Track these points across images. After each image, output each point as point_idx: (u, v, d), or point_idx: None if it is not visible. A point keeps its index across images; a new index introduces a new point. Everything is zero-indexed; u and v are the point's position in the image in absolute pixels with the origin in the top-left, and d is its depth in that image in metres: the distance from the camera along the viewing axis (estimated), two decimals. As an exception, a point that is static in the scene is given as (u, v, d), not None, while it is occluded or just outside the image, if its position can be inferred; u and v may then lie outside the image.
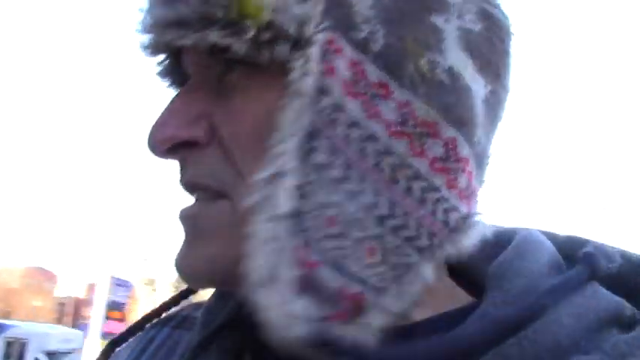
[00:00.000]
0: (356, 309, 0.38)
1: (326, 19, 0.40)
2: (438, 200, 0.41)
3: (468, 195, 0.43)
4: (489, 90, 0.45)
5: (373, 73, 0.40)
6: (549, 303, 0.39)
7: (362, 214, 0.38)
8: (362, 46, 0.40)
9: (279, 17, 0.39)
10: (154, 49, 0.45)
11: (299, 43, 0.40)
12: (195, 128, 0.44)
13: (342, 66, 0.40)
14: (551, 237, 0.48)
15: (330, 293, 0.37)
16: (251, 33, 0.39)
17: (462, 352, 0.37)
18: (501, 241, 0.47)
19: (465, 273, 0.48)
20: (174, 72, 0.50)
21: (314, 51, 0.39)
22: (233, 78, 0.43)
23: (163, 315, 0.58)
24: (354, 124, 0.39)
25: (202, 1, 0.39)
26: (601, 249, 0.44)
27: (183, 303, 0.59)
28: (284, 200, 0.37)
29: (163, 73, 0.51)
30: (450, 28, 0.43)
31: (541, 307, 0.39)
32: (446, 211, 0.41)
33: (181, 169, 0.46)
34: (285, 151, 0.39)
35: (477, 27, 0.45)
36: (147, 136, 0.44)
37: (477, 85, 0.43)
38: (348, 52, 0.40)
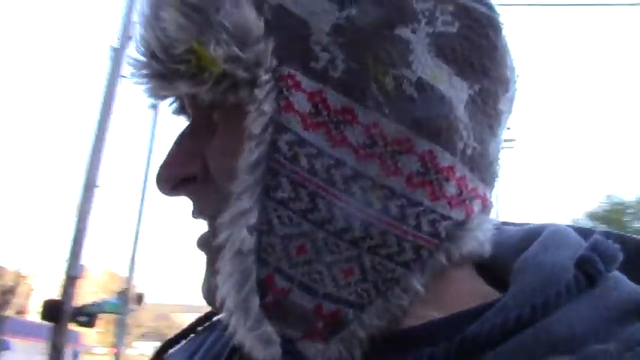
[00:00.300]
0: (335, 326, 0.41)
1: (280, 55, 0.41)
2: (420, 213, 0.41)
3: (463, 200, 0.43)
4: (477, 89, 0.44)
5: (336, 99, 0.41)
6: (567, 295, 0.39)
7: (333, 240, 0.40)
8: (321, 74, 0.41)
9: (230, 67, 0.41)
10: (155, 97, 0.48)
11: (254, 86, 0.41)
12: (190, 166, 0.47)
13: (300, 99, 0.41)
14: (588, 232, 0.48)
15: (303, 314, 0.40)
16: (210, 83, 0.41)
17: (477, 346, 0.38)
18: (531, 237, 0.48)
19: (495, 271, 0.48)
20: (184, 110, 0.53)
21: (264, 91, 0.41)
22: (216, 118, 0.46)
23: (214, 318, 0.62)
24: (318, 154, 0.40)
25: (169, 58, 0.42)
26: (599, 237, 0.44)
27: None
28: (244, 237, 0.40)
29: (176, 112, 0.55)
30: (417, 37, 0.42)
31: (559, 299, 0.39)
32: (432, 222, 0.42)
33: (192, 203, 0.49)
34: (243, 191, 0.41)
35: (454, 28, 0.44)
36: (155, 178, 0.48)
37: (456, 90, 0.43)
38: (307, 83, 0.41)
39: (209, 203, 0.46)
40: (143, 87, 0.46)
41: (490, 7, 0.47)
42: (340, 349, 0.41)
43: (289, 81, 0.41)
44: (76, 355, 25.45)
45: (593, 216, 30.59)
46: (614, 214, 28.82)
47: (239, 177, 0.41)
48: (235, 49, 0.41)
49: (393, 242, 0.41)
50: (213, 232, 0.44)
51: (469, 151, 0.43)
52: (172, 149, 0.49)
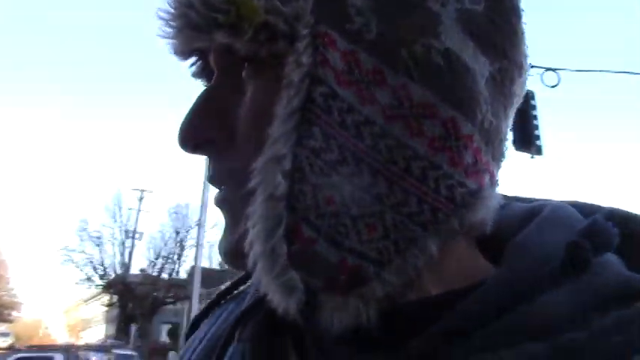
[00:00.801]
0: (355, 280, 0.41)
1: (318, 14, 0.44)
2: (440, 177, 0.42)
3: (477, 171, 0.44)
4: (497, 68, 0.46)
5: (367, 61, 0.42)
6: (551, 281, 0.40)
7: (360, 194, 0.41)
8: (355, 36, 0.43)
9: (272, 18, 0.43)
10: (180, 53, 0.51)
11: (293, 39, 0.43)
12: (212, 129, 0.48)
13: (336, 57, 0.43)
14: (590, 211, 0.48)
15: (327, 265, 0.41)
16: (249, 34, 0.43)
17: (456, 329, 0.40)
18: (530, 216, 0.49)
19: (495, 248, 0.48)
20: (206, 71, 0.55)
21: (303, 45, 0.43)
22: (244, 75, 0.47)
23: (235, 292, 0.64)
24: (349, 110, 0.42)
25: (208, 8, 0.44)
26: (596, 220, 0.43)
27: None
28: (278, 182, 0.41)
29: (197, 74, 0.56)
30: (446, 11, 0.44)
31: (541, 286, 0.40)
32: (450, 187, 0.43)
33: (209, 164, 0.50)
34: (280, 137, 0.42)
35: (479, 7, 0.46)
36: (177, 134, 0.49)
37: (479, 65, 0.45)
38: (342, 43, 0.43)
39: (234, 161, 0.47)
40: (174, 40, 0.48)
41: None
42: (358, 305, 0.42)
43: (325, 39, 0.43)
44: None
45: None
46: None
47: (275, 123, 0.42)
48: (277, 1, 0.43)
49: (413, 202, 0.42)
50: (234, 188, 0.46)
51: (486, 125, 0.45)
52: (196, 108, 0.49)
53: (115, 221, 30.64)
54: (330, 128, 0.42)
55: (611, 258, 0.43)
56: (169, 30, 0.47)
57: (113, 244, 30.01)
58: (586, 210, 0.49)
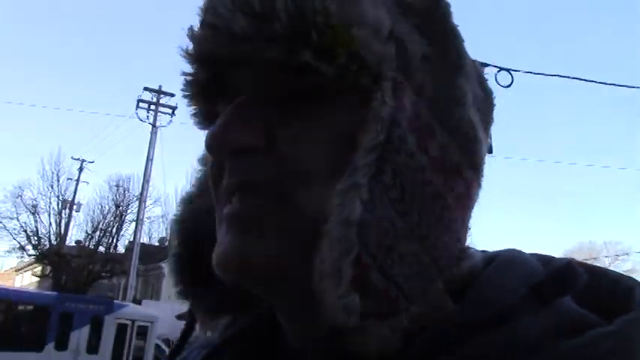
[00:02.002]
0: (391, 310, 0.44)
1: (397, 61, 0.48)
2: (457, 230, 0.48)
3: (467, 230, 0.51)
4: (488, 147, 0.54)
5: (426, 114, 0.48)
6: (509, 313, 0.44)
7: (408, 232, 0.44)
8: (418, 89, 0.48)
9: (364, 51, 0.46)
10: (208, 59, 0.50)
11: (378, 78, 0.46)
12: (256, 136, 0.48)
13: (407, 103, 0.47)
14: (547, 261, 0.53)
15: (376, 293, 0.43)
16: (341, 60, 0.46)
17: (426, 353, 0.44)
18: (491, 260, 0.52)
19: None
20: (204, 85, 0.54)
21: (389, 85, 0.46)
22: (301, 97, 0.48)
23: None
24: (411, 155, 0.46)
25: (296, 18, 0.45)
26: (569, 264, 0.48)
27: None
28: (355, 209, 0.43)
29: (194, 85, 0.54)
30: (468, 88, 0.52)
31: (497, 317, 0.44)
32: (457, 240, 0.49)
33: (232, 171, 0.49)
34: (363, 166, 0.44)
35: (480, 93, 0.55)
36: (209, 138, 0.49)
37: (484, 139, 0.53)
38: (410, 92, 0.47)
39: (269, 175, 0.47)
40: (250, 49, 0.46)
41: (491, 90, 0.58)
42: (387, 333, 0.44)
43: (403, 85, 0.47)
44: None
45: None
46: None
47: (360, 153, 0.45)
48: (373, 39, 0.47)
49: (440, 247, 0.46)
50: (267, 200, 0.47)
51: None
52: (233, 115, 0.49)
53: (53, 190, 29.65)
54: (397, 168, 0.45)
55: (568, 300, 0.47)
56: (229, 32, 0.47)
57: (49, 214, 29.00)
58: (542, 259, 0.54)
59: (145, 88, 23.75)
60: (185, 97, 0.56)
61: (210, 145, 0.49)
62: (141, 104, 23.57)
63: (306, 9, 0.45)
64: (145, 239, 28.44)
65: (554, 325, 0.43)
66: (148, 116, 23.49)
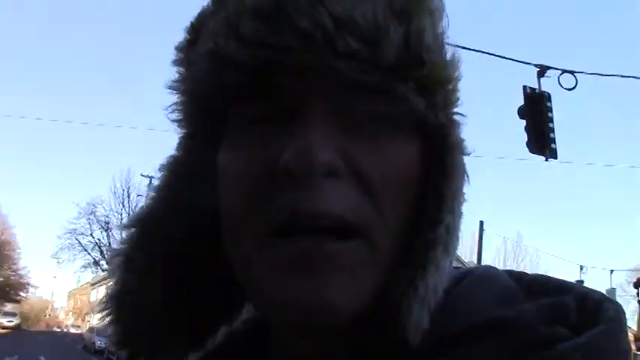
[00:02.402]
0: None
1: None
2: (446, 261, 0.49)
3: None
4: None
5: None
6: (476, 332, 0.45)
7: (448, 266, 0.48)
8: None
9: (454, 92, 0.50)
10: (286, 66, 0.44)
11: (450, 115, 0.49)
12: (338, 159, 0.45)
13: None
14: (517, 277, 0.53)
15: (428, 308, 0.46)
16: (438, 97, 0.48)
17: None
18: (464, 276, 0.53)
19: None
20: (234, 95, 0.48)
21: (458, 125, 0.50)
22: (379, 123, 0.47)
23: None
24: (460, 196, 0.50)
25: (404, 48, 0.45)
26: (562, 302, 0.47)
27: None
28: (456, 241, 0.48)
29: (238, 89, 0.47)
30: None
31: (465, 336, 0.45)
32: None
33: (321, 199, 0.44)
34: (459, 204, 0.49)
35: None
36: (300, 156, 0.43)
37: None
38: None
39: (349, 204, 0.44)
40: (348, 68, 0.44)
41: None
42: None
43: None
44: None
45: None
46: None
47: (458, 192, 0.49)
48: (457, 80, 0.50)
49: (441, 280, 0.47)
50: (335, 240, 0.44)
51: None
52: (316, 135, 0.44)
53: (124, 206, 30.72)
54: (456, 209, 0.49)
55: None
56: (358, 65, 0.44)
57: (121, 230, 29.93)
58: (514, 275, 0.54)
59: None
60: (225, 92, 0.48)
61: (306, 163, 0.43)
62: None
63: (413, 41, 0.46)
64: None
65: (522, 342, 0.44)
66: None
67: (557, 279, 0.52)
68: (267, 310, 0.48)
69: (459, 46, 0.50)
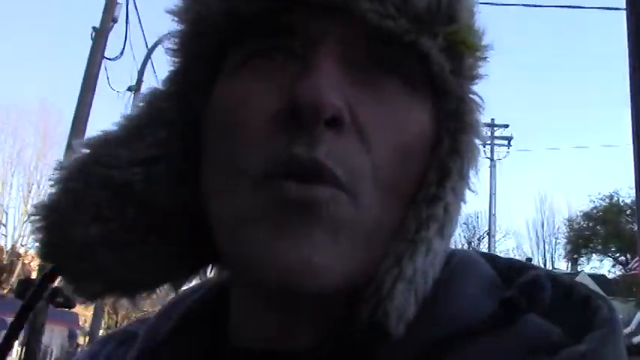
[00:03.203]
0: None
1: None
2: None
3: None
4: None
5: None
6: (476, 331, 0.40)
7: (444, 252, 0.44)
8: None
9: (480, 63, 0.46)
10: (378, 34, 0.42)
11: (473, 91, 0.46)
12: (344, 108, 0.40)
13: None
14: (491, 260, 0.48)
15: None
16: (465, 66, 0.45)
17: None
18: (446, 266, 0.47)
19: None
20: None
21: (478, 104, 0.47)
22: (392, 81, 0.43)
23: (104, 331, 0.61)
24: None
25: (438, 19, 0.42)
26: (537, 278, 0.42)
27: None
28: (448, 231, 0.43)
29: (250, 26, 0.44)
30: None
31: (466, 334, 0.40)
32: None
33: (322, 147, 0.40)
34: (461, 186, 0.45)
35: None
36: (307, 95, 0.39)
37: None
38: None
39: (344, 158, 0.40)
40: (383, 23, 0.41)
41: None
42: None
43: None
44: (72, 334, 25.97)
45: (588, 216, 30.43)
46: (610, 214, 28.70)
47: (467, 174, 0.45)
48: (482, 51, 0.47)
49: (432, 267, 0.42)
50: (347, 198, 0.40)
51: None
52: (323, 74, 0.40)
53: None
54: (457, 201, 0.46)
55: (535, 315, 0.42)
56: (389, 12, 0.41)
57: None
58: (486, 258, 0.49)
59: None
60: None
61: (311, 103, 0.38)
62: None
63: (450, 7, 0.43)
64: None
65: (522, 345, 0.40)
66: (484, 151, 23.22)
67: (531, 265, 0.47)
68: (237, 263, 0.42)
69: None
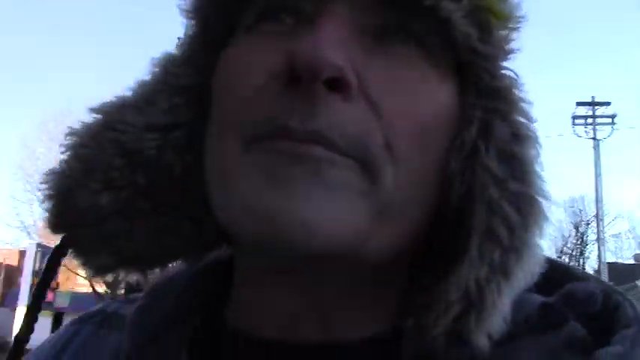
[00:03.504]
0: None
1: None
2: None
3: None
4: None
5: None
6: (517, 333, 0.40)
7: None
8: None
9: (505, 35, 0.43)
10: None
11: (500, 67, 0.43)
12: (349, 70, 0.38)
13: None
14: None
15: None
16: (495, 37, 0.42)
17: None
18: None
19: None
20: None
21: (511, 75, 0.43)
22: (409, 48, 0.41)
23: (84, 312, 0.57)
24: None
25: None
26: (583, 293, 0.43)
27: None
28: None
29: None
30: None
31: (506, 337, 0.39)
32: None
33: (304, 114, 0.37)
34: (535, 173, 0.41)
35: None
36: (301, 51, 0.37)
37: None
38: None
39: (353, 125, 0.38)
40: None
41: None
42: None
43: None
44: None
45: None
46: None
47: (491, 149, 0.41)
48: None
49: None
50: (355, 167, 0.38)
51: None
52: (330, 36, 0.38)
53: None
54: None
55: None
56: None
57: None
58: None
59: (578, 103, 22.78)
60: None
61: (310, 62, 0.36)
62: (576, 121, 22.64)
63: None
64: (611, 258, 27.96)
65: (560, 347, 0.40)
66: (586, 131, 22.46)
67: (573, 268, 0.47)
68: (226, 216, 0.40)
69: None
